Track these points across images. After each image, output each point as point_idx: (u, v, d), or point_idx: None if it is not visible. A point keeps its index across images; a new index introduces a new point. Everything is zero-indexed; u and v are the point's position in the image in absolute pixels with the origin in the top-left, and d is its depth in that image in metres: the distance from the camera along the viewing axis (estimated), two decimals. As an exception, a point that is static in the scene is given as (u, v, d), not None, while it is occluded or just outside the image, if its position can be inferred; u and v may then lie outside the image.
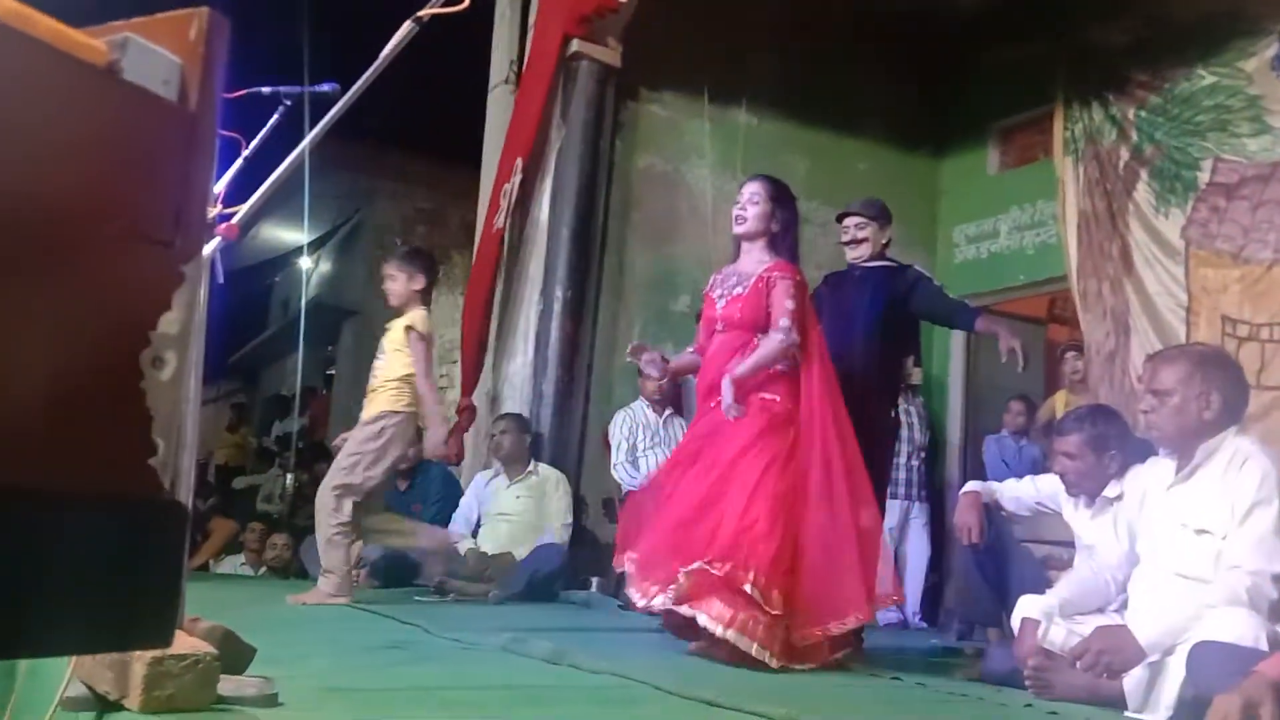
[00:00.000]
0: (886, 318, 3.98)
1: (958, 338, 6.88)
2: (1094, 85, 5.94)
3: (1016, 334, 3.79)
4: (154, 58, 0.62)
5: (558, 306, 5.63)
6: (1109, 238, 5.72)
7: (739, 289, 3.46)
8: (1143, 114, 5.68)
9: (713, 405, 3.37)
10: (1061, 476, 3.22)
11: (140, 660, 1.53)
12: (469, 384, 5.96)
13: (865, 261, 4.08)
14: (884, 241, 4.14)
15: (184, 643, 1.60)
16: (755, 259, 3.48)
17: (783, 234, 3.50)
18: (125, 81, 0.61)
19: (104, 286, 0.57)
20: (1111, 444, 3.11)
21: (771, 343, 3.34)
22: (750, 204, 3.48)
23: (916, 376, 6.04)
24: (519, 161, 5.79)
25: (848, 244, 4.12)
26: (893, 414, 4.11)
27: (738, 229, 3.51)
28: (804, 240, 6.52)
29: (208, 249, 1.88)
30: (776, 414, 3.32)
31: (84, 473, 0.54)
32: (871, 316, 3.96)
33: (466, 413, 5.90)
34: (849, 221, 4.14)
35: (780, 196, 3.52)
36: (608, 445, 5.49)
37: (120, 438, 0.57)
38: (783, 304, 3.36)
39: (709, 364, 3.48)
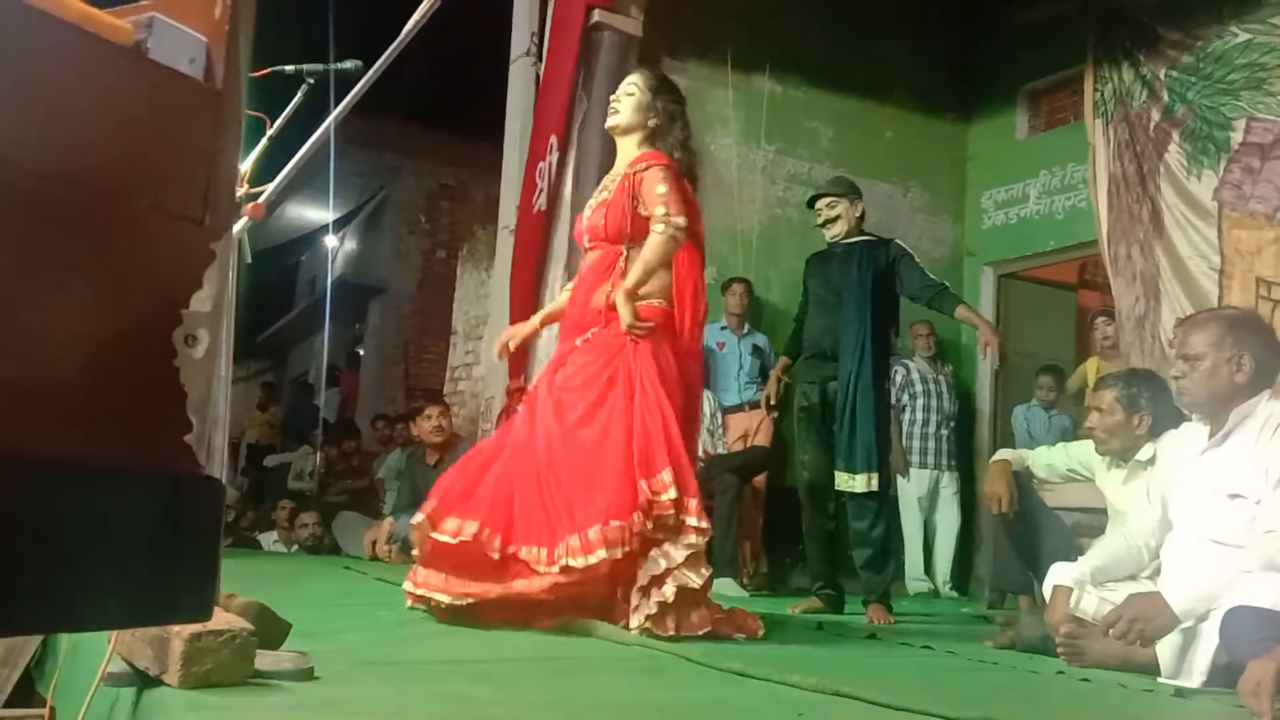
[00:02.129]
0: (875, 290, 4.05)
1: (987, 305, 6.84)
2: (1124, 45, 5.83)
3: (995, 331, 3.93)
4: (180, 36, 0.63)
5: (582, 281, 5.62)
6: (1139, 201, 5.64)
7: (604, 194, 3.05)
8: (1174, 74, 5.58)
9: (579, 343, 2.94)
10: (1090, 432, 3.21)
11: (179, 636, 1.56)
12: (518, 367, 5.98)
13: (845, 238, 4.19)
14: (858, 215, 4.25)
15: (221, 619, 1.63)
16: (627, 156, 3.07)
17: (662, 130, 3.06)
18: (152, 61, 0.61)
19: (137, 264, 0.58)
20: (1143, 405, 3.09)
21: (653, 240, 2.88)
22: (625, 95, 3.10)
23: (896, 348, 6.03)
24: (553, 139, 5.76)
25: (823, 225, 4.24)
26: (885, 386, 4.19)
27: (609, 122, 3.11)
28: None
29: (235, 228, 1.90)
30: (657, 322, 2.91)
31: (121, 449, 0.55)
32: (861, 290, 4.07)
33: (517, 394, 5.92)
34: (820, 204, 4.26)
35: (661, 89, 3.12)
36: (634, 419, 5.48)
37: (156, 414, 0.58)
38: (653, 192, 2.91)
39: (580, 288, 3.06)
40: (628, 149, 3.10)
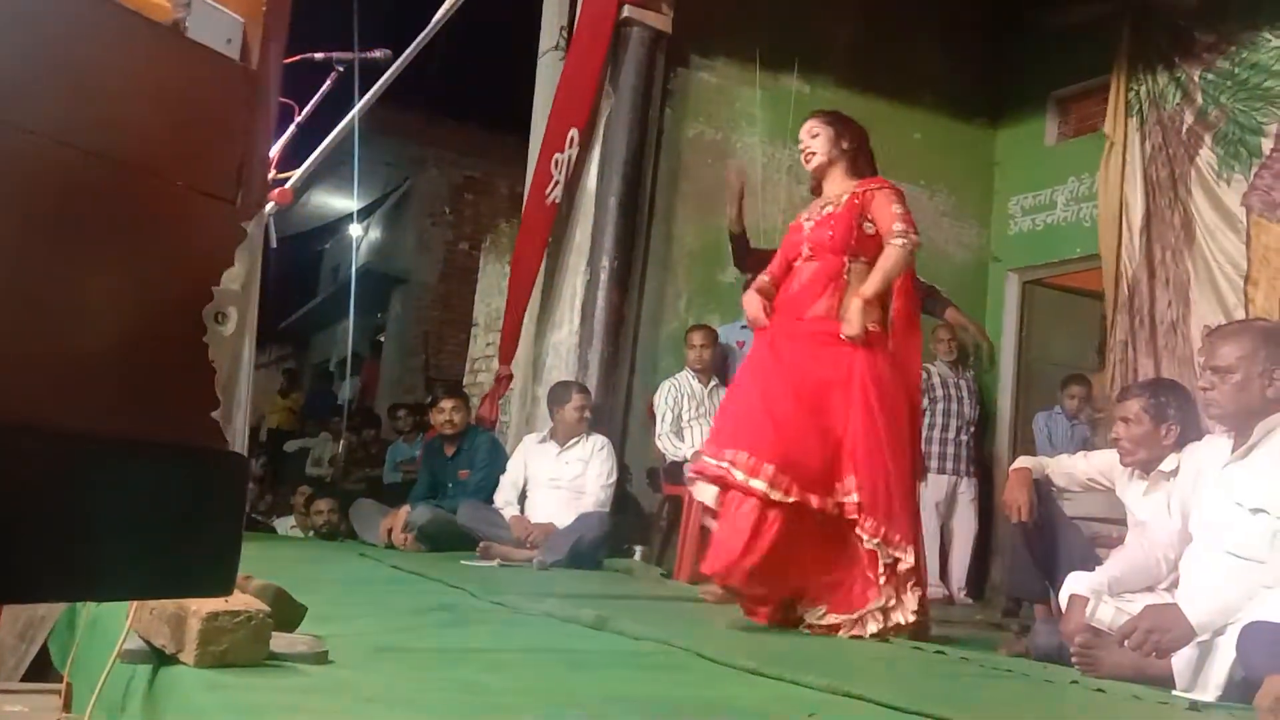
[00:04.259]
0: None
1: (1012, 312, 6.80)
2: (1158, 47, 5.78)
3: (984, 334, 3.89)
4: (217, 16, 0.63)
5: (604, 276, 5.64)
6: (1171, 205, 5.60)
7: (829, 208, 3.25)
8: (1209, 76, 5.53)
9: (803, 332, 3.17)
10: (1116, 443, 3.18)
11: (196, 615, 1.57)
12: (508, 353, 6.01)
13: None
14: None
15: (237, 600, 1.64)
16: (840, 183, 3.29)
17: (857, 153, 3.31)
18: (190, 40, 0.62)
19: (171, 240, 0.58)
20: (1170, 415, 3.05)
21: (892, 251, 3.10)
22: (810, 137, 3.32)
23: None
24: (574, 132, 5.76)
25: None
26: None
27: (809, 165, 3.34)
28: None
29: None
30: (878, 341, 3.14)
31: (150, 423, 0.56)
32: None
33: (505, 380, 5.96)
34: None
35: (838, 120, 3.36)
36: (653, 416, 5.50)
37: (185, 389, 0.59)
38: (889, 211, 3.14)
39: (800, 295, 3.24)
40: (836, 179, 3.31)
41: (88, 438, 0.51)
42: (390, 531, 5.46)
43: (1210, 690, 2.41)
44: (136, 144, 0.57)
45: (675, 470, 5.31)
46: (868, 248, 3.17)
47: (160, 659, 1.66)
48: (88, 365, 0.52)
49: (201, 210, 0.60)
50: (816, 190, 3.41)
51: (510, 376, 5.94)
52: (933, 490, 6.04)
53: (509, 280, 6.23)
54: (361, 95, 2.52)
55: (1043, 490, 3.37)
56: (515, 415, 6.05)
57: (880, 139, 6.43)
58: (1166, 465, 3.06)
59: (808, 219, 3.32)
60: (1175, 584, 2.84)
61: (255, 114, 0.66)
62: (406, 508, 5.54)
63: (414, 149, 12.77)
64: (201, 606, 1.58)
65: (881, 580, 2.98)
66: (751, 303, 3.31)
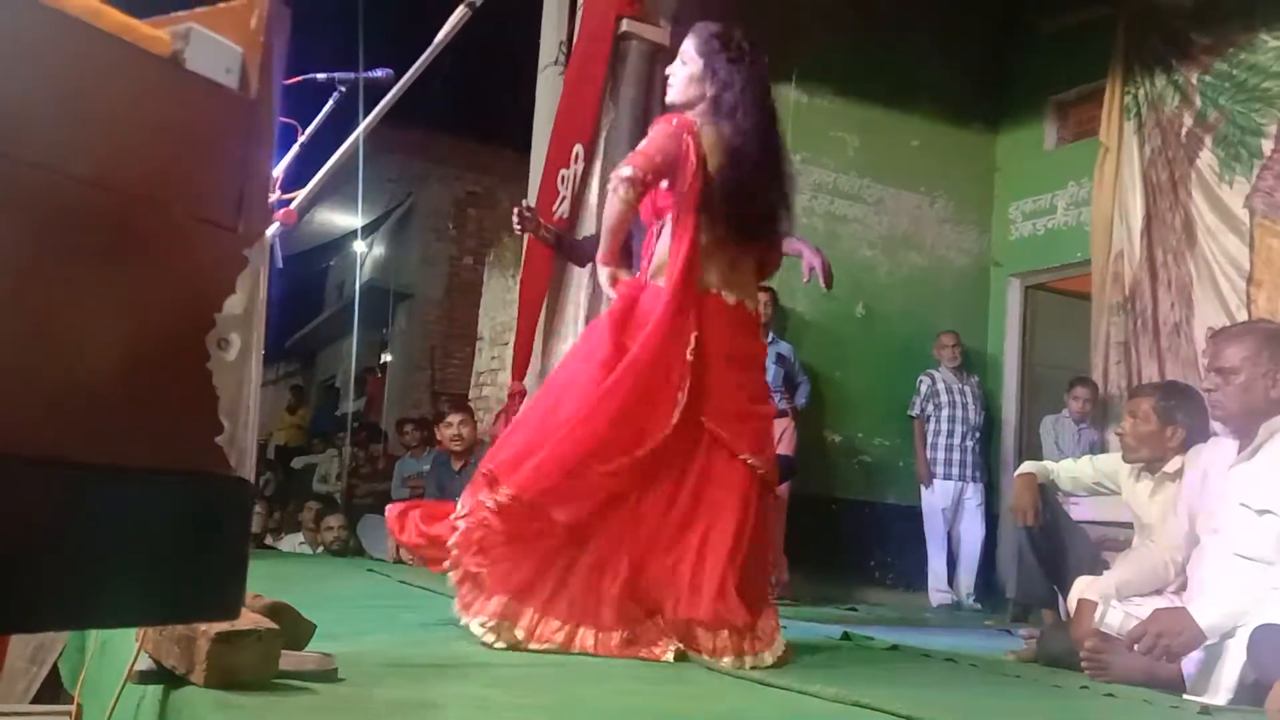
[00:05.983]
0: None
1: (1014, 316, 6.80)
2: (1155, 50, 5.80)
3: (820, 254, 3.48)
4: (216, 47, 0.64)
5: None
6: (1172, 208, 5.60)
7: None
8: (1207, 79, 5.54)
9: None
10: (1120, 438, 3.18)
11: (205, 635, 1.57)
12: (521, 369, 6.02)
13: None
14: None
15: (246, 618, 1.64)
16: None
17: (719, 96, 2.63)
18: (189, 71, 0.63)
19: (171, 270, 0.59)
20: (1178, 419, 3.07)
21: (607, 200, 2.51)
22: (678, 65, 2.74)
23: None
24: (579, 148, 5.78)
25: None
26: None
27: (667, 99, 2.77)
28: (856, 219, 6.52)
29: (267, 233, 1.91)
30: (614, 309, 2.55)
31: (154, 450, 0.57)
32: None
33: (518, 397, 5.96)
34: None
35: (716, 48, 2.70)
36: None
37: (188, 416, 0.60)
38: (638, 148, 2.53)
39: None
40: None
41: (91, 466, 0.52)
42: (398, 547, 5.47)
43: (1221, 694, 2.41)
44: (137, 175, 0.58)
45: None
46: (667, 206, 2.61)
47: (170, 679, 1.67)
48: (90, 394, 0.53)
49: (202, 239, 0.61)
50: None
51: (524, 393, 5.95)
52: (939, 496, 6.05)
53: (519, 295, 6.23)
54: (364, 114, 2.53)
55: (1048, 495, 3.37)
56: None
57: (879, 146, 6.56)
58: (1171, 467, 3.06)
59: None
60: (1183, 587, 2.83)
61: (255, 143, 0.67)
62: (414, 523, 5.53)
63: (416, 165, 12.80)
64: (211, 626, 1.58)
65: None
66: None
